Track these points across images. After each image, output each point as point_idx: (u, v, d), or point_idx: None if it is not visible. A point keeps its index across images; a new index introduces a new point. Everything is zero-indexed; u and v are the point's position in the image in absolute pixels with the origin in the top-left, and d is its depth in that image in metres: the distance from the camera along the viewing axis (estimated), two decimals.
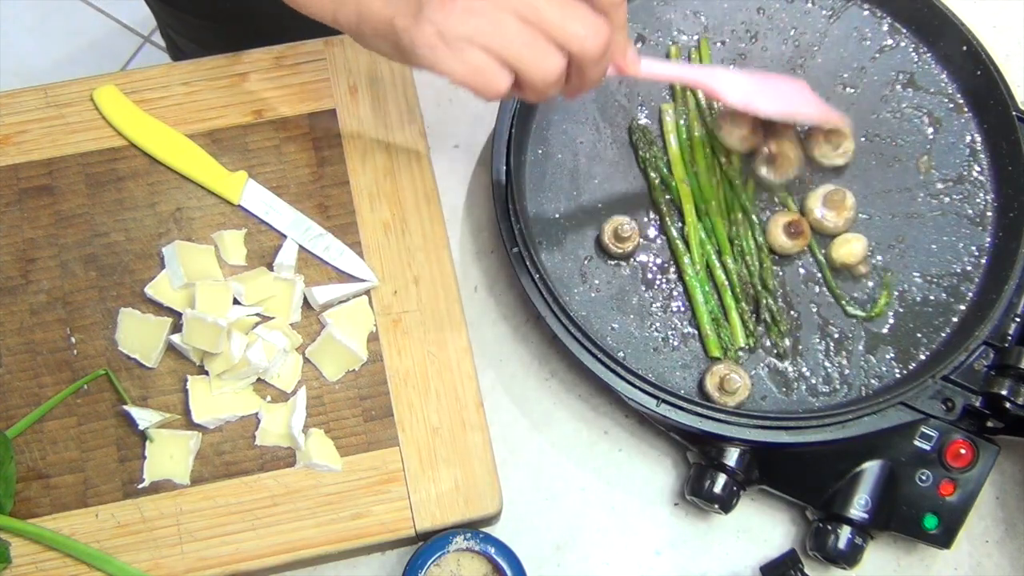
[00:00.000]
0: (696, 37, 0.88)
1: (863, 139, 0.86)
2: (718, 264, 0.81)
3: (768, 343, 0.80)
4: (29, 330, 0.79)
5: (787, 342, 0.80)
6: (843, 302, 0.81)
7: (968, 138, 0.85)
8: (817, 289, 0.82)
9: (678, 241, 0.82)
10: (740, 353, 0.80)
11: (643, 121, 0.86)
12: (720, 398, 0.77)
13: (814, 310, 0.81)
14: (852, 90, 0.87)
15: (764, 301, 0.80)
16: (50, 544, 0.74)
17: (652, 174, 0.84)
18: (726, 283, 0.81)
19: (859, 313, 0.80)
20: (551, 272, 0.81)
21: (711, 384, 0.78)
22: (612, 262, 0.82)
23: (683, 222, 0.82)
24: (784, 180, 0.83)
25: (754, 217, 0.82)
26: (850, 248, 0.81)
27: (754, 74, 0.82)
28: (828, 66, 0.87)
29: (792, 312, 0.81)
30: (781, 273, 0.82)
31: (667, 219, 0.82)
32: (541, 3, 0.60)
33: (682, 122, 0.85)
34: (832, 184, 0.84)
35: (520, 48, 0.61)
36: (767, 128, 0.83)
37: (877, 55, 0.88)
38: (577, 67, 0.63)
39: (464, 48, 0.61)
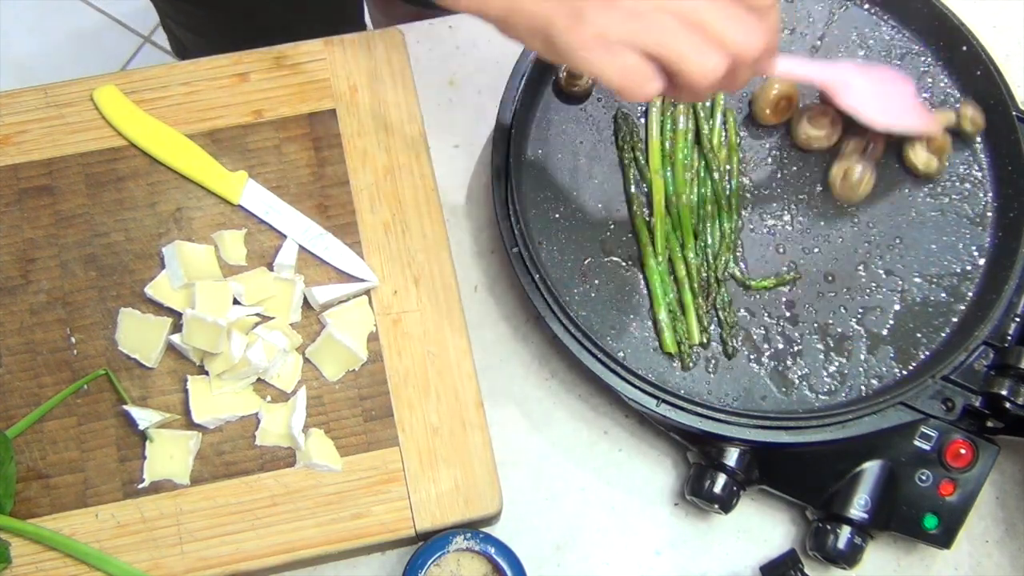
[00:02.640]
0: None
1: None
2: (680, 257, 0.81)
3: (734, 342, 0.80)
4: (29, 330, 0.79)
5: (738, 340, 0.80)
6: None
7: None
8: (817, 290, 0.82)
9: (644, 232, 0.82)
10: (694, 349, 0.80)
11: (639, 117, 0.86)
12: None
13: (814, 312, 0.81)
14: None
15: (716, 296, 0.80)
16: (50, 544, 0.74)
17: (627, 161, 0.84)
18: (685, 278, 0.81)
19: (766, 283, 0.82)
20: (551, 272, 0.81)
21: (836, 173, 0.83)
22: (609, 259, 0.82)
23: (652, 213, 0.83)
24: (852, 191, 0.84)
25: (726, 222, 0.83)
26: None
27: (871, 70, 0.82)
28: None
29: (792, 312, 0.81)
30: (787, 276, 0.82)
31: (635, 208, 0.83)
32: (702, 6, 0.61)
33: (668, 114, 0.85)
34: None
35: (682, 49, 0.61)
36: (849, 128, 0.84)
37: (877, 55, 0.88)
38: (732, 68, 0.63)
39: (622, 51, 0.61)
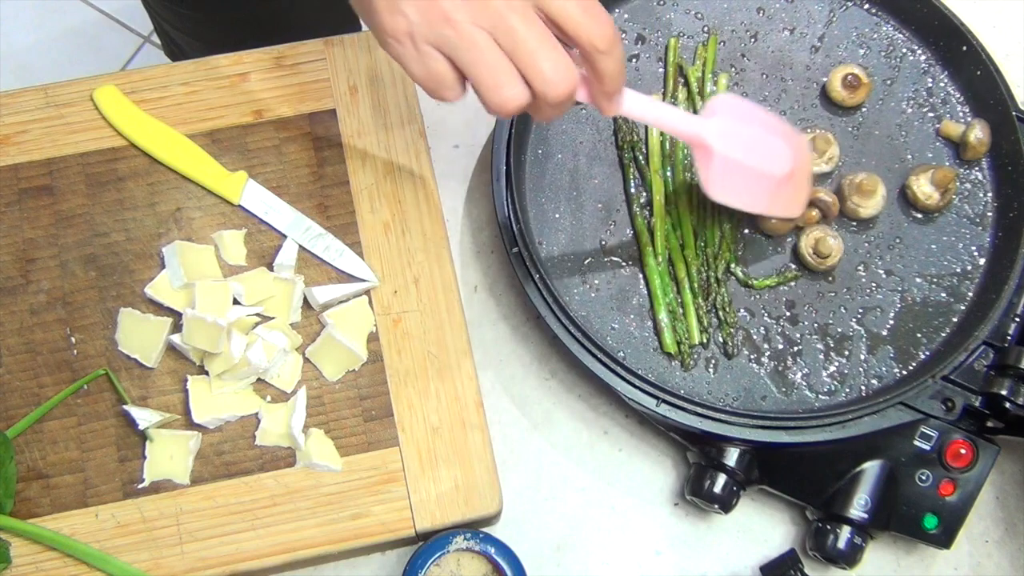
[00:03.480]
0: (695, 37, 0.88)
1: (860, 137, 0.86)
2: (681, 258, 0.81)
3: (734, 341, 0.80)
4: (29, 330, 0.79)
5: (738, 340, 0.80)
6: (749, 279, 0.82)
7: None
8: (817, 289, 0.82)
9: (644, 232, 0.82)
10: (694, 349, 0.80)
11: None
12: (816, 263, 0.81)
13: (814, 312, 0.81)
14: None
15: (716, 296, 0.80)
16: (50, 544, 0.74)
17: (627, 161, 0.84)
18: (685, 278, 0.81)
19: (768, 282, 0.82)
20: (551, 272, 0.81)
21: (806, 246, 0.80)
22: (609, 259, 0.82)
23: (652, 214, 0.83)
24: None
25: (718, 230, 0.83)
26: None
27: (752, 129, 0.76)
28: (828, 66, 0.87)
29: (792, 312, 0.81)
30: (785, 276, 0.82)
31: (635, 208, 0.83)
32: (521, 31, 0.59)
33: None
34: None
35: (482, 72, 0.60)
36: None
37: (877, 55, 0.88)
38: (535, 104, 0.62)
39: (429, 53, 0.60)
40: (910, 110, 0.86)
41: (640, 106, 0.69)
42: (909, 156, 0.85)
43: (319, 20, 1.02)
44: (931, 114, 0.86)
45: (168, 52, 1.22)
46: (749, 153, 0.75)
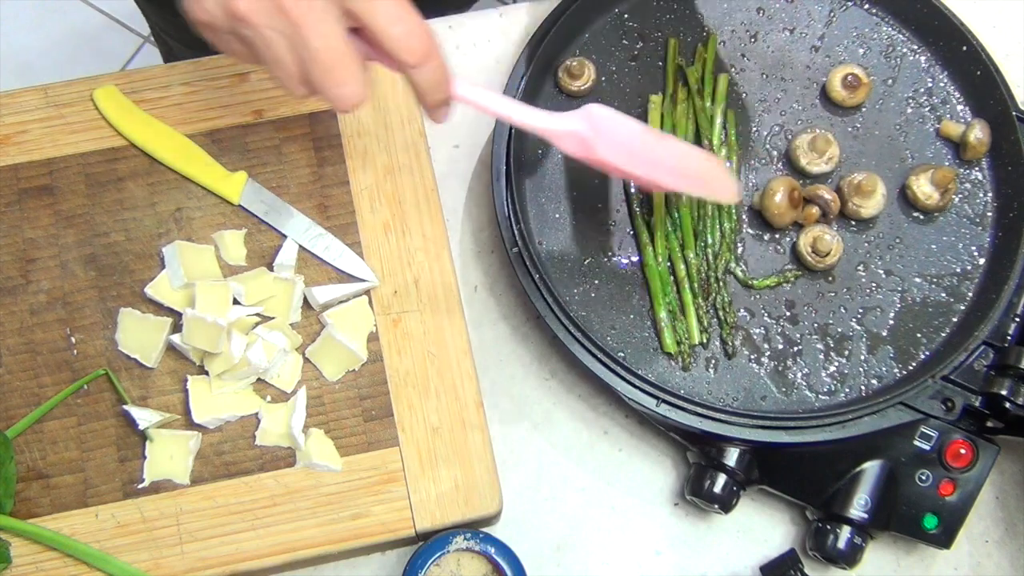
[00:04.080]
0: (695, 37, 0.88)
1: (860, 137, 0.86)
2: (681, 258, 0.81)
3: (734, 341, 0.80)
4: (29, 330, 0.79)
5: (738, 340, 0.80)
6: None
7: None
8: (817, 289, 0.82)
9: (644, 232, 0.82)
10: (694, 349, 0.80)
11: (638, 116, 0.86)
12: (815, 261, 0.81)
13: (814, 312, 0.81)
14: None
15: (716, 296, 0.80)
16: (50, 544, 0.74)
17: None
18: (685, 278, 0.81)
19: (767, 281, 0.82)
20: (551, 272, 0.81)
21: (805, 245, 0.81)
22: (609, 259, 0.82)
23: (652, 214, 0.83)
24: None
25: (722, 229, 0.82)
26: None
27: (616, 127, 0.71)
28: (828, 66, 0.87)
29: (792, 312, 0.81)
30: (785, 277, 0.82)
31: (635, 208, 0.83)
32: (313, 43, 0.58)
33: (668, 114, 0.85)
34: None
35: (280, 72, 0.60)
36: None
37: (877, 55, 0.88)
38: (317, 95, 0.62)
39: (231, 42, 0.61)
40: (910, 110, 0.86)
41: (479, 103, 0.66)
42: (909, 156, 0.85)
43: None
44: (931, 114, 0.86)
45: (166, 59, 1.21)
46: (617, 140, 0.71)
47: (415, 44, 0.60)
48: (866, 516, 0.74)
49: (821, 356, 0.80)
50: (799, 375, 0.80)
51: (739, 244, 0.83)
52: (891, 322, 0.81)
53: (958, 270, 0.82)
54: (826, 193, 0.82)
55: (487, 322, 0.85)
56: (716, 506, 0.76)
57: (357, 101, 0.61)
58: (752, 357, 0.80)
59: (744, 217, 0.84)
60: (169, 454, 0.76)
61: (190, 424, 0.77)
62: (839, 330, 0.81)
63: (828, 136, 0.83)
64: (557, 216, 0.83)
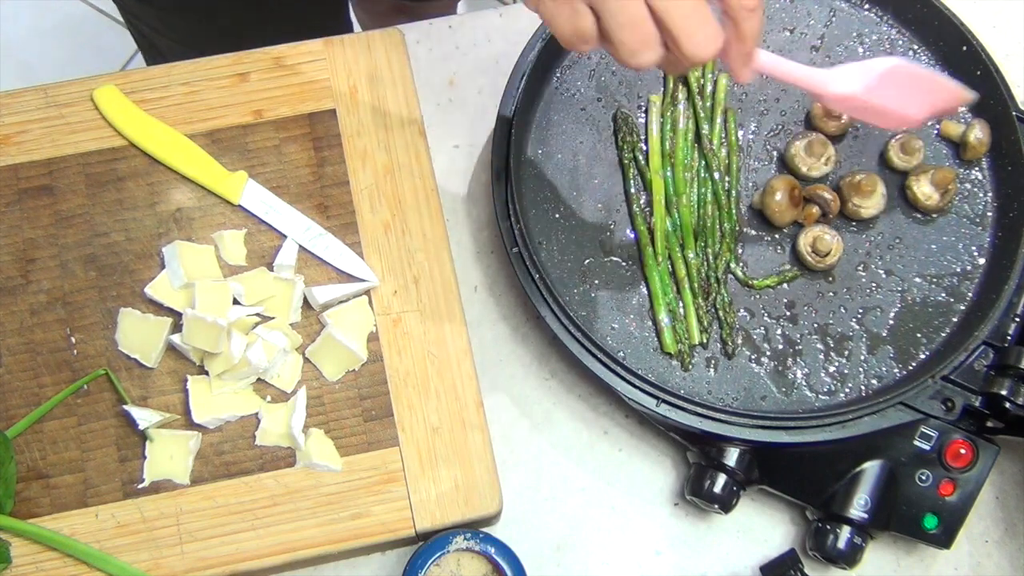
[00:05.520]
0: None
1: (860, 137, 0.86)
2: (681, 257, 0.81)
3: (734, 341, 0.80)
4: (29, 330, 0.79)
5: (738, 340, 0.80)
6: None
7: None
8: (817, 289, 0.82)
9: (644, 232, 0.82)
10: (694, 350, 0.80)
11: (639, 118, 0.86)
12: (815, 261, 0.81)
13: (814, 312, 0.81)
14: None
15: (716, 296, 0.80)
16: (50, 544, 0.74)
17: (627, 161, 0.84)
18: (685, 278, 0.81)
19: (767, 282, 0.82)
20: (551, 272, 0.81)
21: (804, 244, 0.80)
22: (609, 259, 0.82)
23: (652, 214, 0.83)
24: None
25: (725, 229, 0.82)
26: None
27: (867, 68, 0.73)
28: (828, 66, 0.87)
29: (792, 312, 0.81)
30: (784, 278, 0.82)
31: (635, 208, 0.83)
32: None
33: (668, 114, 0.85)
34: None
35: (628, 35, 0.60)
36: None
37: (877, 55, 0.88)
38: (674, 61, 0.62)
39: (581, 11, 0.60)
40: None
41: (770, 64, 0.69)
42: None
43: (302, 22, 1.01)
44: None
45: (147, 57, 1.20)
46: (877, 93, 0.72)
47: None
48: (866, 516, 0.74)
49: (821, 356, 0.80)
50: (799, 375, 0.80)
51: (739, 244, 0.83)
52: (891, 322, 0.81)
53: (958, 270, 0.82)
54: (826, 193, 0.82)
55: (487, 322, 0.85)
56: (716, 506, 0.76)
57: (718, 43, 0.61)
58: (752, 357, 0.80)
59: (744, 216, 0.84)
60: (169, 454, 0.76)
61: (190, 424, 0.77)
62: (839, 330, 0.81)
63: (822, 138, 0.83)
64: (557, 216, 0.83)
